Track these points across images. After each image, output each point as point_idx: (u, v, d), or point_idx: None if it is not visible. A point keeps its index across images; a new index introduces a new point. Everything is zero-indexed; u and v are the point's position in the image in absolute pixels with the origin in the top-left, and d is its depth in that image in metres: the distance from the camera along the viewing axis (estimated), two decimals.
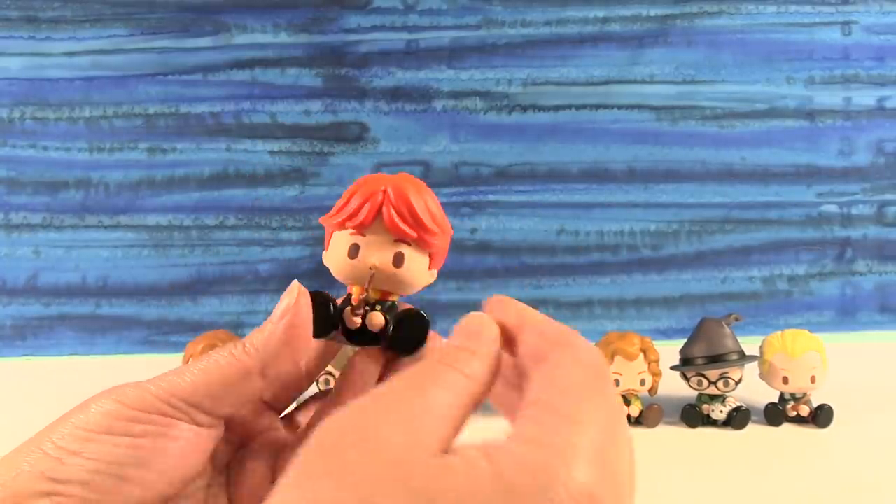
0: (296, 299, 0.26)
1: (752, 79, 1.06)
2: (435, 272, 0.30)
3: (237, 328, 1.03)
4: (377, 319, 0.28)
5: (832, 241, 1.07)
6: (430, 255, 0.29)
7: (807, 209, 1.06)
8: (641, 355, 0.66)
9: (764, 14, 1.06)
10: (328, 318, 0.28)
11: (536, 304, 1.02)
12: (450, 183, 1.06)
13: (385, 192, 0.28)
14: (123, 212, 1.05)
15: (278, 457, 0.27)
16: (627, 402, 0.68)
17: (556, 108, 1.06)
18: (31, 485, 0.21)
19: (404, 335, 0.28)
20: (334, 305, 0.28)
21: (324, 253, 0.30)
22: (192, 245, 1.05)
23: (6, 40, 1.04)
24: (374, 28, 1.06)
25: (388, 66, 1.06)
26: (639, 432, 0.66)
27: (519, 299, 0.26)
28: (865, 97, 1.06)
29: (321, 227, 0.29)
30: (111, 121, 1.05)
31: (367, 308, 0.28)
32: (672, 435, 0.66)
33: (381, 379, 0.29)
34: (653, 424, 0.67)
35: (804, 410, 0.67)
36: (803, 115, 1.06)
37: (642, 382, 0.66)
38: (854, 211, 1.07)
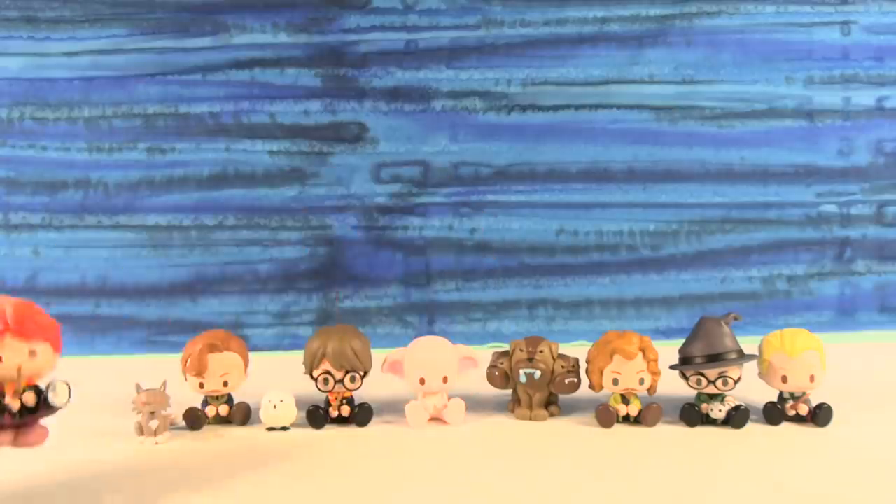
0: None
1: (751, 79, 1.06)
2: (42, 349, 0.46)
3: (236, 328, 1.03)
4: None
5: (832, 241, 1.07)
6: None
7: (806, 209, 1.06)
8: (640, 354, 0.66)
9: (763, 14, 1.06)
10: None
11: (536, 303, 1.03)
12: (449, 183, 1.06)
13: None
14: (123, 212, 1.05)
15: None
16: (626, 402, 0.68)
17: (556, 108, 1.06)
18: None
19: None
20: None
21: None
22: (191, 245, 1.06)
23: (6, 40, 1.05)
24: (374, 28, 1.06)
25: (388, 66, 1.06)
26: (638, 431, 0.66)
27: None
28: (865, 97, 1.07)
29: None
30: (110, 121, 1.05)
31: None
32: (671, 434, 0.66)
33: None
34: (652, 423, 0.67)
35: (803, 409, 0.67)
36: (802, 115, 1.06)
37: (641, 381, 0.66)
38: (853, 211, 1.07)
